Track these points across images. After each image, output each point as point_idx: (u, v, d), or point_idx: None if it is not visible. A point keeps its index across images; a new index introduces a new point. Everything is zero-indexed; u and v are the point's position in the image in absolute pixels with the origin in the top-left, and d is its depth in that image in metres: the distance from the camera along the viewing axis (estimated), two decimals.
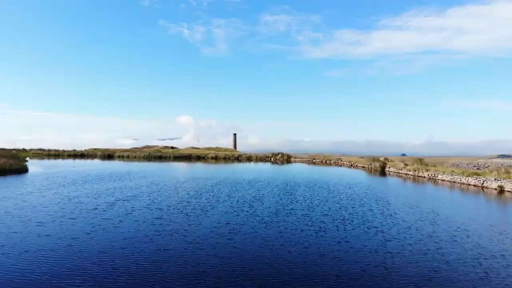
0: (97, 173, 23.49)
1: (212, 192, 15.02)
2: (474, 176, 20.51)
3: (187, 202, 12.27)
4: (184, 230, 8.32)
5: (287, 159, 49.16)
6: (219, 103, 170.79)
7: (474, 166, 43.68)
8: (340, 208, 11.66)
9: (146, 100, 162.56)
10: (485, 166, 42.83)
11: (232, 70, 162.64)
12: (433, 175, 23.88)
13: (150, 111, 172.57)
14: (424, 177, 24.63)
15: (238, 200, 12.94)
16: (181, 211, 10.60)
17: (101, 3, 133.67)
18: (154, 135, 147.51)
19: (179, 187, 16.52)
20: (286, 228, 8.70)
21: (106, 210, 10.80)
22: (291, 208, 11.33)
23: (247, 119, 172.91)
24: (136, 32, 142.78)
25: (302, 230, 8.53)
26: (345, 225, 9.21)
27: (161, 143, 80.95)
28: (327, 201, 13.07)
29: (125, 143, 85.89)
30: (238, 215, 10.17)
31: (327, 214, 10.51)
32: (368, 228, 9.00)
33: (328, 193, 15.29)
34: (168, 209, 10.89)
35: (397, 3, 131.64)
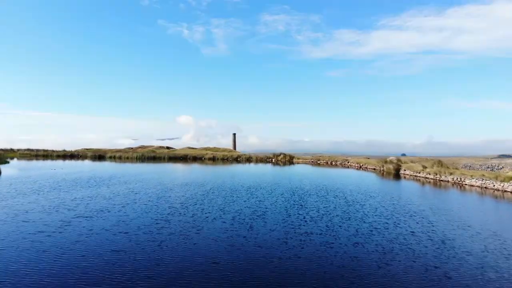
0: (75, 177, 20.50)
1: (202, 204, 12.02)
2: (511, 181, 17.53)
3: (166, 221, 9.27)
4: (148, 278, 5.33)
5: (289, 160, 46.12)
6: (219, 103, 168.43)
7: (488, 167, 40.77)
8: (371, 230, 8.65)
9: (146, 100, 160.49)
10: (499, 167, 39.94)
11: (232, 70, 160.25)
12: (459, 179, 20.88)
13: (150, 111, 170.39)
14: (448, 181, 21.65)
15: (233, 217, 9.94)
16: (154, 238, 7.61)
17: (101, 3, 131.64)
18: (154, 135, 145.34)
19: (162, 196, 13.52)
20: (304, 273, 5.70)
21: (52, 234, 7.84)
22: (306, 232, 8.32)
23: (247, 119, 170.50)
24: (136, 32, 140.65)
25: (327, 275, 5.53)
26: (389, 263, 6.22)
27: (161, 143, 77.99)
28: (349, 218, 10.07)
29: (125, 143, 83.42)
30: (232, 246, 7.17)
31: (358, 243, 7.50)
32: (425, 269, 6.02)
33: (347, 205, 12.29)
34: (136, 234, 7.89)
35: (397, 3, 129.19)
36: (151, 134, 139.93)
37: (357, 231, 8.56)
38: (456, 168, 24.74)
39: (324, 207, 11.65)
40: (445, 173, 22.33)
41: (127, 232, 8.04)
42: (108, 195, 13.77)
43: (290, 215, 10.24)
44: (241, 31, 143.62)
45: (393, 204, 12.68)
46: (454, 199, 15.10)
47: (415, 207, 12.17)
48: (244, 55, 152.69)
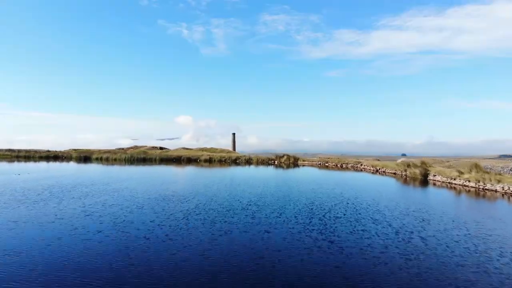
0: (30, 186, 16.27)
1: (174, 240, 7.77)
2: None
3: (99, 282, 5.05)
4: None
5: (293, 162, 41.86)
6: (218, 103, 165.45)
7: (511, 169, 36.92)
8: None
9: (145, 100, 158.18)
10: None
11: (232, 70, 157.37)
12: (511, 189, 16.70)
13: (149, 111, 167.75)
14: (495, 190, 17.46)
15: (220, 281, 5.72)
16: None
17: (101, 3, 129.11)
18: (154, 135, 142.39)
19: (121, 222, 9.26)
20: None
21: None
22: None
23: (246, 119, 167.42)
24: (136, 32, 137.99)
25: None
26: None
27: (160, 143, 74.08)
28: (419, 270, 5.71)
29: (125, 143, 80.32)
30: None
31: None
32: None
33: (401, 239, 8.02)
34: None
35: (397, 3, 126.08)
36: (151, 134, 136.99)
37: None
38: (499, 174, 20.56)
39: (368, 246, 7.40)
40: (490, 180, 18.14)
41: None
42: (47, 218, 9.55)
43: (320, 275, 5.99)
44: (241, 31, 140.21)
45: (468, 235, 8.45)
46: None
47: (504, 241, 7.96)
48: (243, 55, 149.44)
